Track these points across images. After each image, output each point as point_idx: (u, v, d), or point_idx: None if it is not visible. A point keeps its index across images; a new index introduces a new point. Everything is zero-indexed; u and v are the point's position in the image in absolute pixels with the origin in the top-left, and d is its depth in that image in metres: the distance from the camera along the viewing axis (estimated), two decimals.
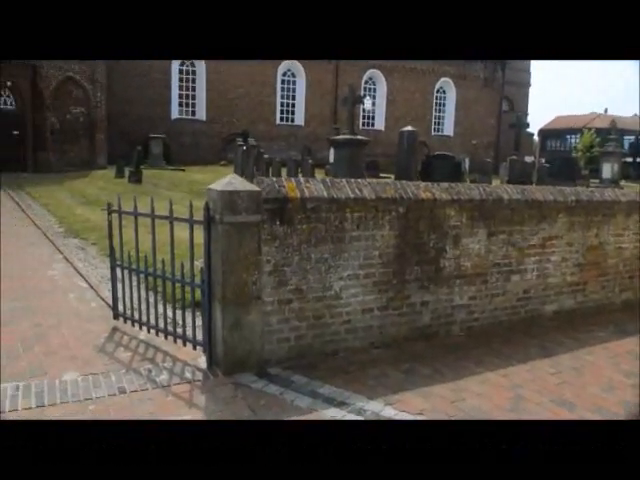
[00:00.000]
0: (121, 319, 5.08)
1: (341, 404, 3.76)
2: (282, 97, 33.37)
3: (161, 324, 4.67)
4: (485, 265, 5.38)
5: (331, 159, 22.97)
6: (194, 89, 30.65)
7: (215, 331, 4.19)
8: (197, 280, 4.34)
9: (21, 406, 3.59)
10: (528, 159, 24.40)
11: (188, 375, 4.16)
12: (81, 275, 6.84)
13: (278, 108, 33.20)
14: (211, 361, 4.24)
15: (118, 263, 4.97)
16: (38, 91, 22.82)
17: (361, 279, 4.67)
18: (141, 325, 4.85)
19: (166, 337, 4.64)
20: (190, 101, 30.72)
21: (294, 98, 33.82)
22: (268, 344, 4.29)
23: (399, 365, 4.46)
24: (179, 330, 4.59)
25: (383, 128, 34.95)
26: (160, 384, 3.98)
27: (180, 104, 30.38)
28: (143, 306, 4.83)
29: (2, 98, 22.12)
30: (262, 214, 4.07)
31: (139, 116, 28.07)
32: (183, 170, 23.53)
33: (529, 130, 33.13)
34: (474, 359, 4.68)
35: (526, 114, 36.84)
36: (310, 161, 17.15)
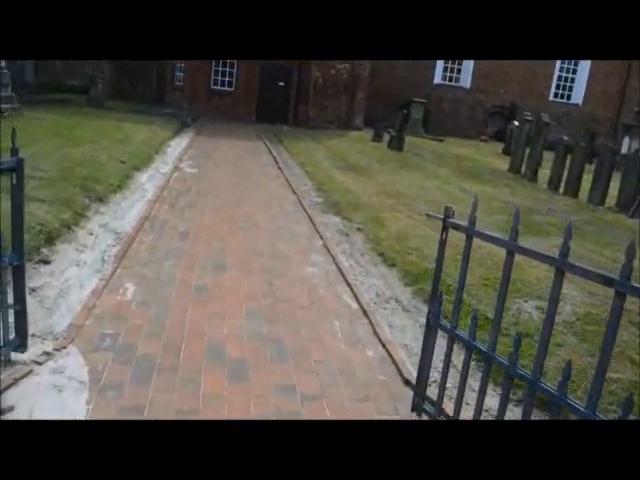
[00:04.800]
0: (424, 415, 2.98)
1: None
2: (561, 70, 28.80)
3: None
4: None
5: (624, 149, 18.92)
6: None
7: None
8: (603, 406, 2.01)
9: None
10: None
11: None
12: (347, 283, 4.97)
13: (554, 82, 28.74)
14: None
15: (443, 323, 2.82)
16: None
17: None
18: None
19: None
20: (456, 66, 27.97)
21: (574, 72, 29.03)
22: None
23: None
24: None
25: None
26: None
27: (445, 69, 27.80)
28: (468, 402, 2.69)
29: None
30: None
31: (400, 77, 26.21)
32: (441, 140, 21.32)
33: None
34: None
35: None
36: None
